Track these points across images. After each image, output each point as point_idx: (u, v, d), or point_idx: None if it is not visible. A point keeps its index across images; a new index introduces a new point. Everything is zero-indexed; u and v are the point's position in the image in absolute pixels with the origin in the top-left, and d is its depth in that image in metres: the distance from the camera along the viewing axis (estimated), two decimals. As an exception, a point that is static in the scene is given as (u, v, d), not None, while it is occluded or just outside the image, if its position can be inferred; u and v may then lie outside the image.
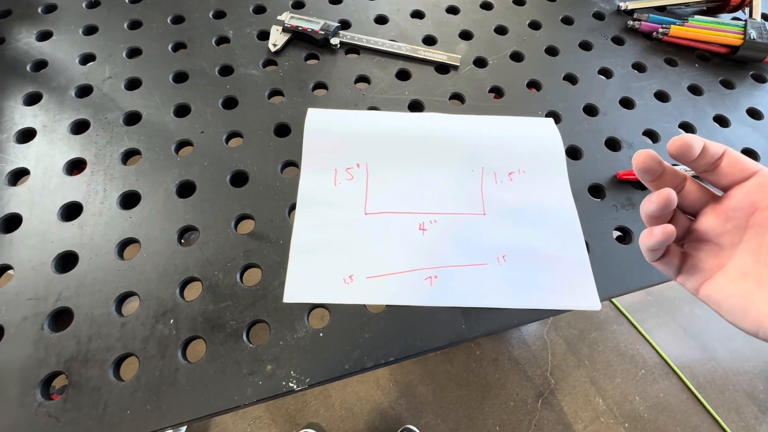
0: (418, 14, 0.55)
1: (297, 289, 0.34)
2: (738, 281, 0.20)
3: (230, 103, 0.45)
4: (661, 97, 0.49)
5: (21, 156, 0.40)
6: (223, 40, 0.50)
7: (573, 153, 0.44)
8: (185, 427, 0.97)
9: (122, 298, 0.34)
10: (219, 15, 0.52)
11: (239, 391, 0.30)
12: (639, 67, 0.51)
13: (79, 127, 0.42)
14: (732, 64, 0.52)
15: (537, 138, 0.44)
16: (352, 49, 0.50)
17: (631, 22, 0.54)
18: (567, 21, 0.55)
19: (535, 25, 0.55)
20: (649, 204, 0.21)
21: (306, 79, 0.47)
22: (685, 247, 0.23)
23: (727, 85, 0.51)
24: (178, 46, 0.49)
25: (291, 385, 0.31)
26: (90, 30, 0.49)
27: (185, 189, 0.39)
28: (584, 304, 0.35)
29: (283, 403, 1.06)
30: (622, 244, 0.38)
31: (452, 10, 0.55)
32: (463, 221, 0.38)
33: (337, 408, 1.08)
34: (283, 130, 0.43)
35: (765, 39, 0.49)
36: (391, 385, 1.12)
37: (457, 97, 0.47)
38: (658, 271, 0.36)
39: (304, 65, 0.48)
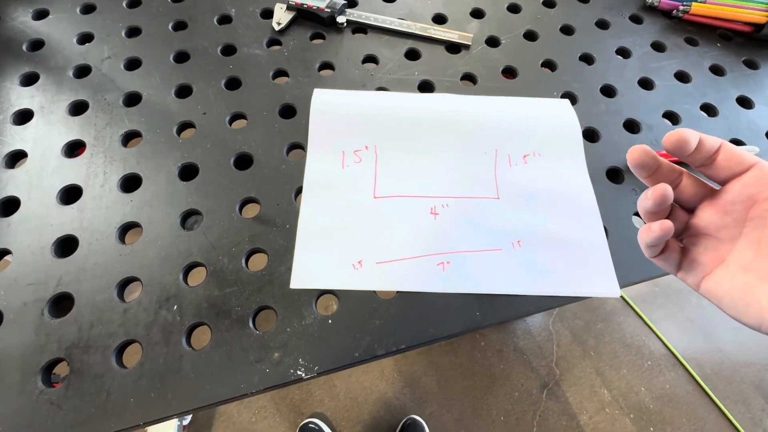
0: (427, -8, 0.52)
1: (304, 275, 0.33)
2: (739, 275, 0.20)
3: (233, 83, 0.43)
4: (682, 77, 0.47)
5: (18, 138, 0.39)
6: (225, 19, 0.48)
7: (590, 135, 0.42)
8: (191, 415, 0.97)
9: (124, 284, 0.33)
10: (221, -7, 0.50)
11: (246, 379, 0.29)
12: (658, 47, 0.49)
13: (78, 109, 0.41)
14: (756, 43, 0.50)
15: (552, 120, 0.42)
16: (359, 28, 0.48)
17: (650, 0, 0.52)
18: (583, -1, 0.53)
19: (549, 3, 0.52)
20: (646, 200, 0.21)
21: (312, 59, 0.45)
22: (684, 242, 0.23)
23: (751, 65, 0.49)
24: (179, 25, 0.47)
25: (299, 373, 0.30)
26: (88, 8, 0.48)
27: (188, 172, 0.38)
28: (603, 291, 0.34)
29: (287, 392, 1.06)
30: (641, 230, 0.37)
31: (463, -12, 0.53)
32: (477, 205, 0.37)
33: (342, 398, 1.08)
34: (288, 112, 0.42)
35: (792, 16, 0.47)
36: (396, 376, 1.12)
37: (468, 77, 0.45)
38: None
39: (309, 45, 0.46)
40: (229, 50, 0.46)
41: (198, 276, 0.33)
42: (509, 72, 0.46)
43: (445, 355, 1.15)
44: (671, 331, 1.21)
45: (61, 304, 0.32)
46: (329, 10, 0.46)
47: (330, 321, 0.32)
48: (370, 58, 0.46)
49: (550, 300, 0.33)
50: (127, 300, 0.32)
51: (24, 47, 0.44)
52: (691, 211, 0.23)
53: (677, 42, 0.50)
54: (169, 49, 0.45)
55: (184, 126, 0.40)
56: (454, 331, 0.32)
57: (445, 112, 0.41)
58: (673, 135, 0.21)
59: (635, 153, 0.21)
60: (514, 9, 0.51)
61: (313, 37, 0.47)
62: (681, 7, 0.50)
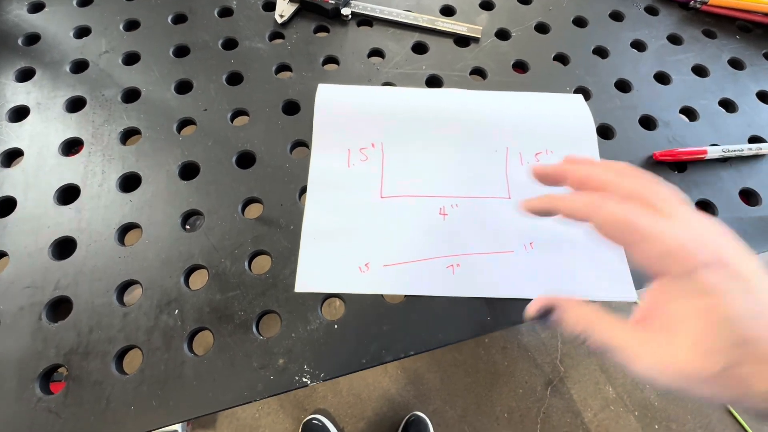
0: (434, -17, 0.51)
1: (309, 278, 0.32)
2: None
3: (235, 78, 0.42)
4: (699, 71, 0.45)
5: (14, 135, 0.37)
6: (226, 11, 0.47)
7: (604, 132, 0.41)
8: (194, 412, 0.97)
9: (124, 287, 0.32)
10: (221, -15, 0.49)
11: (249, 385, 0.29)
12: (675, 40, 0.47)
13: (75, 105, 0.40)
14: (776, 35, 0.48)
15: (565, 116, 0.40)
16: (364, 20, 0.47)
17: (665, -9, 0.50)
18: (595, -10, 0.51)
19: (561, -6, 0.50)
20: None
21: (315, 53, 0.44)
22: None
23: (771, 58, 0.47)
24: (179, 18, 0.46)
25: (304, 380, 0.29)
26: (85, 1, 0.46)
27: (188, 171, 0.37)
28: (618, 294, 0.32)
29: (291, 389, 1.06)
30: (658, 231, 0.36)
31: (471, -21, 0.51)
32: (487, 205, 0.36)
33: (345, 394, 1.08)
34: (291, 108, 0.40)
35: (815, 7, 0.45)
36: (399, 372, 1.12)
37: (478, 71, 0.44)
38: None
39: (313, 38, 0.45)
40: (230, 44, 0.44)
41: (200, 279, 0.32)
42: (520, 66, 0.45)
43: (448, 352, 1.14)
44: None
45: (59, 308, 0.31)
46: (333, 2, 0.45)
47: (336, 326, 0.31)
48: (376, 52, 0.44)
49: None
50: (127, 304, 0.31)
51: (19, 41, 0.43)
52: None
53: (694, 34, 0.48)
54: (168, 42, 0.43)
55: (185, 123, 0.39)
56: (464, 337, 0.31)
57: (454, 108, 0.40)
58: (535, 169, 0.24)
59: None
60: (524, 0, 0.50)
61: (316, 30, 0.46)
62: (699, -2, 0.48)
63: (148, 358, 0.29)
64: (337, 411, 1.06)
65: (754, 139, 0.41)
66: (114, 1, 0.46)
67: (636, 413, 1.09)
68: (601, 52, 0.46)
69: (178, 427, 0.90)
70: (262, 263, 0.33)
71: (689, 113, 0.42)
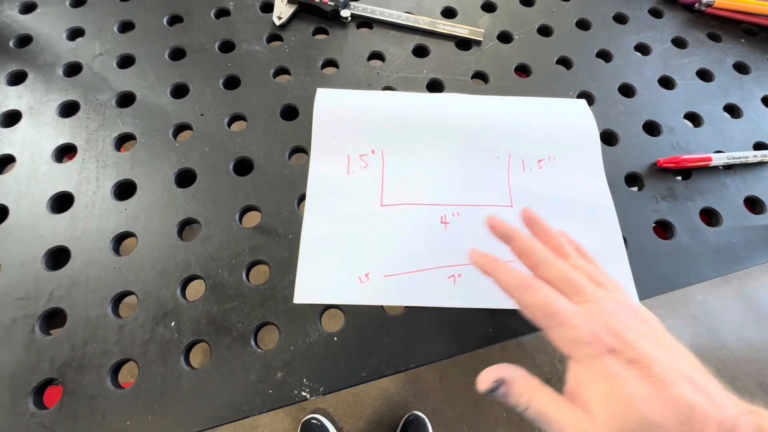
0: (435, -16, 0.50)
1: (308, 289, 0.31)
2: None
3: (232, 82, 0.41)
4: (704, 75, 0.45)
5: (6, 141, 0.37)
6: (223, 13, 0.46)
7: (608, 138, 0.40)
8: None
9: (119, 298, 0.31)
10: (218, -15, 0.48)
11: (247, 400, 0.28)
12: (679, 43, 0.47)
13: (69, 110, 0.39)
14: (782, 39, 0.48)
15: (568, 121, 0.40)
16: (364, 22, 0.46)
17: (670, -8, 0.49)
18: (599, -9, 0.50)
19: (564, -4, 0.50)
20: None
21: (314, 56, 0.43)
22: None
23: (777, 62, 0.46)
24: (174, 20, 0.45)
25: (303, 393, 0.28)
26: (78, 1, 0.45)
27: (185, 178, 0.36)
28: (622, 305, 0.32)
29: (290, 389, 1.06)
30: (662, 240, 0.35)
31: (473, -21, 0.50)
32: (489, 214, 0.35)
33: (344, 393, 1.08)
34: (290, 113, 0.40)
35: (822, 10, 0.45)
36: (398, 372, 1.11)
37: (480, 75, 0.43)
38: (702, 268, 0.34)
39: (312, 40, 0.44)
40: (227, 46, 0.43)
41: (196, 290, 0.32)
42: (522, 70, 0.44)
43: (447, 352, 1.14)
44: (676, 327, 1.20)
45: (53, 319, 0.31)
46: (333, 4, 0.44)
47: (336, 338, 0.30)
48: (376, 55, 0.44)
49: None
50: (122, 315, 0.31)
51: (11, 43, 0.42)
52: None
53: (699, 37, 0.47)
54: (164, 45, 0.43)
55: (181, 128, 0.38)
56: (466, 349, 0.30)
57: (456, 113, 0.39)
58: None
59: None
60: (527, 2, 0.49)
61: (315, 33, 0.45)
62: (704, 0, 0.48)
63: (144, 372, 0.29)
64: (336, 410, 1.06)
65: (759, 146, 0.40)
66: (108, 1, 0.45)
67: (634, 413, 1.09)
68: (604, 56, 0.45)
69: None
70: (261, 273, 0.32)
71: (694, 119, 0.42)
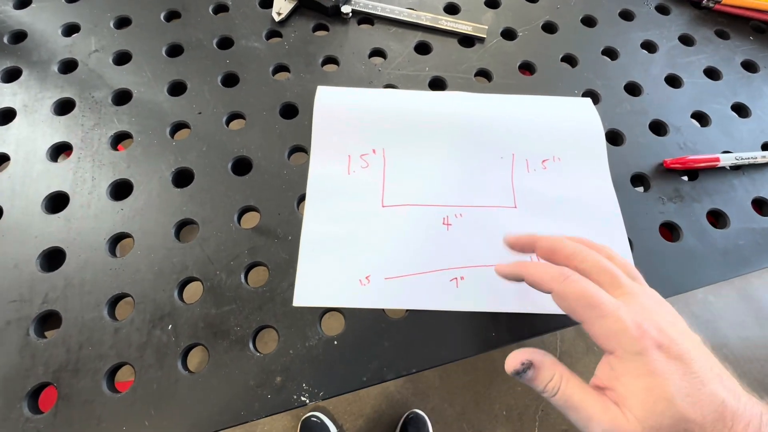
0: (438, -21, 0.49)
1: (308, 291, 0.31)
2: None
3: (230, 80, 0.40)
4: (712, 74, 0.44)
5: (0, 140, 0.36)
6: (221, 8, 0.45)
7: (613, 138, 0.39)
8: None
9: (115, 301, 0.31)
10: (216, -21, 0.47)
11: (246, 405, 0.28)
12: (686, 40, 0.46)
13: (64, 107, 0.38)
14: (791, 36, 0.47)
15: (573, 120, 0.39)
16: (365, 18, 0.45)
17: (677, -12, 0.48)
18: (605, -13, 0.49)
19: (569, -8, 0.49)
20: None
21: (314, 53, 0.42)
22: None
23: (786, 60, 0.45)
24: (172, 15, 0.44)
25: (303, 398, 0.28)
26: (73, -4, 0.44)
27: (182, 177, 0.35)
28: (628, 309, 0.31)
29: (289, 387, 1.06)
30: (669, 242, 0.34)
31: (476, -25, 0.49)
32: (492, 215, 0.34)
33: (344, 392, 1.08)
34: (289, 111, 0.39)
35: (833, 7, 0.44)
36: (398, 370, 1.11)
37: (483, 73, 0.42)
38: (709, 271, 0.33)
39: (312, 37, 0.43)
40: (225, 43, 0.43)
41: (194, 292, 0.31)
42: (526, 67, 0.43)
43: (447, 350, 1.14)
44: (676, 326, 1.20)
45: (48, 322, 0.30)
46: (333, 0, 0.43)
47: (336, 342, 0.30)
48: (378, 52, 0.43)
49: (570, 318, 0.31)
50: (118, 318, 0.30)
51: (5, 39, 0.41)
52: None
53: (707, 35, 0.46)
54: (161, 41, 0.42)
55: (178, 126, 0.38)
56: (469, 354, 0.30)
57: (458, 112, 0.38)
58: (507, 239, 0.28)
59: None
60: (531, -2, 0.48)
61: (315, 29, 0.44)
62: (712, -4, 0.47)
63: (141, 376, 0.28)
64: (336, 408, 1.06)
65: (767, 146, 0.40)
66: (104, -4, 0.44)
67: (634, 411, 1.09)
68: (610, 53, 0.44)
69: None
70: (259, 276, 0.32)
71: (701, 118, 0.41)
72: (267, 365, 0.29)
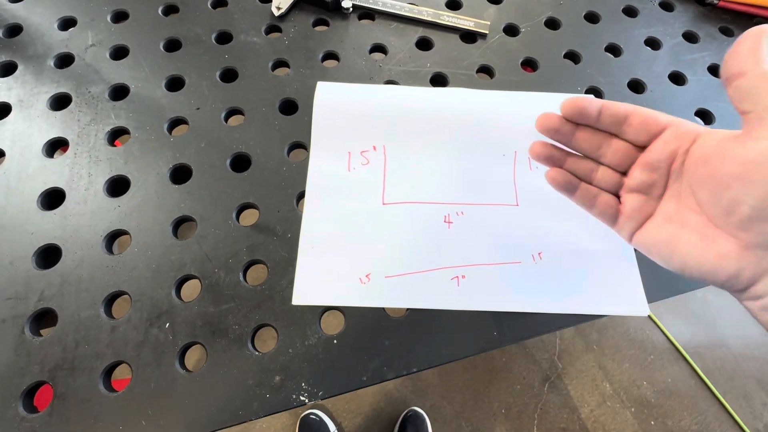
0: (439, -26, 0.48)
1: (307, 290, 0.30)
2: (663, 226, 0.22)
3: (229, 75, 0.40)
4: (716, 71, 0.43)
5: (-5, 135, 0.35)
6: (220, 3, 0.44)
7: (616, 135, 0.39)
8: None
9: (112, 298, 0.30)
10: (215, -27, 0.46)
11: (244, 405, 0.27)
12: (690, 37, 0.45)
13: (60, 102, 0.38)
14: (795, 34, 0.46)
15: (576, 118, 0.39)
16: (366, 13, 0.44)
17: (681, -15, 0.48)
18: (608, -17, 0.49)
19: (572, -13, 0.48)
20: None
21: (314, 48, 0.41)
22: (622, 200, 0.24)
23: (790, 58, 0.45)
24: (170, 9, 0.43)
25: (302, 398, 0.28)
26: (70, -11, 0.44)
27: (180, 174, 0.35)
28: (630, 309, 0.31)
29: (288, 385, 1.05)
30: (672, 241, 0.34)
31: (478, -30, 0.49)
32: (494, 213, 0.34)
33: (343, 390, 1.08)
34: (289, 107, 0.38)
35: (839, 4, 0.43)
36: (397, 368, 1.11)
37: (485, 70, 0.42)
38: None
39: (312, 32, 0.43)
40: (224, 38, 0.42)
41: (192, 290, 0.31)
42: (529, 64, 0.43)
43: (446, 348, 1.14)
44: (675, 325, 1.20)
45: (44, 320, 0.30)
46: (333, -6, 0.42)
47: (335, 341, 0.29)
48: (378, 48, 0.42)
49: (573, 318, 0.31)
50: (115, 316, 0.30)
51: (0, 33, 0.41)
52: (625, 173, 0.24)
53: (711, 32, 0.46)
54: (159, 35, 0.41)
55: (176, 122, 0.37)
56: (469, 353, 0.30)
57: (460, 109, 0.38)
58: (567, 103, 0.24)
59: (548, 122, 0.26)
60: (534, -7, 0.47)
61: (315, 24, 0.43)
62: (716, -7, 0.46)
63: (138, 375, 0.28)
64: (334, 406, 1.06)
65: (772, 144, 0.39)
66: (101, -11, 0.44)
67: (632, 409, 1.10)
68: (613, 50, 0.44)
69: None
70: (258, 274, 0.31)
71: (705, 116, 0.41)
72: (266, 364, 0.28)
